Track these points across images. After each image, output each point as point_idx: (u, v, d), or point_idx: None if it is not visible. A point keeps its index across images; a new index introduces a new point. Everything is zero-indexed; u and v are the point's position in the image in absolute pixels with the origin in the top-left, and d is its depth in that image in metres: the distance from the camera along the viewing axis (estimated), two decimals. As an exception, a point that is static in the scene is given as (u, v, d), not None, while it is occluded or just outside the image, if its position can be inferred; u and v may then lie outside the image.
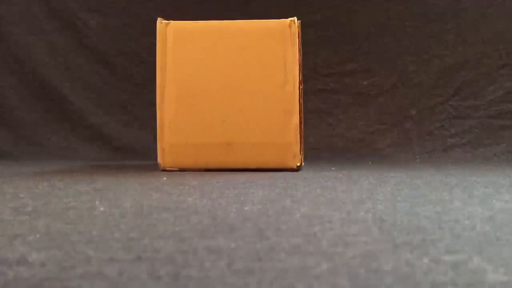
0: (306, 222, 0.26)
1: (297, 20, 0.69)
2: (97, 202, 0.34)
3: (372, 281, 0.16)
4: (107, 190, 0.42)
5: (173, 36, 0.69)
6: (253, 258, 0.19)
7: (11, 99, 1.14)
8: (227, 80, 0.68)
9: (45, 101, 1.14)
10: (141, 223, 0.26)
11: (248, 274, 0.17)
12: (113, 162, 0.95)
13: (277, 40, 0.68)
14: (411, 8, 1.12)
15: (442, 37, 1.10)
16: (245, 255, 0.19)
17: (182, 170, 0.68)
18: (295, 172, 0.65)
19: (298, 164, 0.67)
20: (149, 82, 1.13)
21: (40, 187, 0.44)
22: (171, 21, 0.69)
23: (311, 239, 0.22)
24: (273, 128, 0.68)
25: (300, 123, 0.68)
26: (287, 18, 0.70)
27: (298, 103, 0.68)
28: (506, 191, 0.41)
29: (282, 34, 0.69)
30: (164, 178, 0.54)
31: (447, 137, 1.06)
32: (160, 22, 0.69)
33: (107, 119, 1.14)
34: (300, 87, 0.68)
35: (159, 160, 0.68)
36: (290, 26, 0.69)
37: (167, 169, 0.68)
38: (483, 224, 0.26)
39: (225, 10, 0.68)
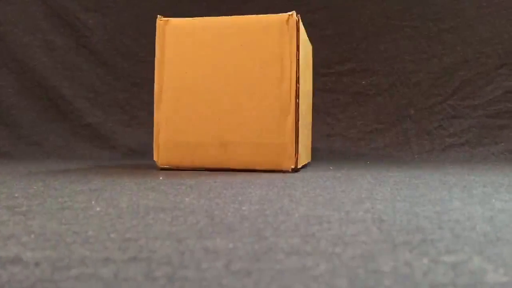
0: (305, 222, 0.26)
1: (297, 15, 0.66)
2: (93, 202, 0.34)
3: (371, 281, 0.16)
4: (103, 190, 0.41)
5: (172, 34, 0.69)
6: (251, 259, 0.19)
7: (9, 99, 1.13)
8: (224, 78, 0.67)
9: (43, 101, 1.13)
10: (138, 223, 0.26)
11: (245, 275, 0.17)
12: (110, 162, 0.95)
13: (274, 36, 0.65)
14: (409, 8, 1.12)
15: (440, 37, 1.10)
16: (243, 256, 0.19)
17: (177, 168, 0.68)
18: (293, 172, 0.64)
19: (293, 167, 0.63)
20: (147, 81, 1.13)
21: (35, 187, 0.44)
22: (170, 19, 0.69)
23: (309, 240, 0.22)
24: (268, 128, 0.64)
25: (296, 123, 0.64)
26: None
27: (294, 102, 0.64)
28: (505, 191, 0.41)
29: (280, 29, 0.65)
30: (161, 178, 0.54)
31: (445, 137, 1.06)
32: (160, 20, 0.69)
33: (105, 118, 1.14)
34: (297, 85, 0.65)
35: (155, 157, 0.69)
36: (288, 21, 0.65)
37: (163, 167, 0.68)
38: (483, 224, 0.26)
39: (223, 9, 0.67)
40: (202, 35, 0.68)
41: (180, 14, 0.72)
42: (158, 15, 0.70)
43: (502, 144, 1.03)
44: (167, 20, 0.69)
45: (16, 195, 0.38)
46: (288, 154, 0.64)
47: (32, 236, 0.23)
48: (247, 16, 0.68)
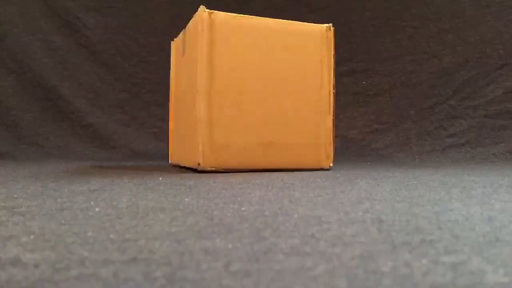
0: (304, 222, 0.26)
1: (332, 26, 0.72)
2: (92, 202, 0.34)
3: (371, 282, 0.16)
4: (103, 190, 0.41)
5: (220, 28, 0.65)
6: (250, 259, 0.19)
7: (9, 99, 1.14)
8: (268, 79, 0.67)
9: (43, 101, 1.14)
10: (137, 223, 0.26)
11: (245, 275, 0.17)
12: (110, 162, 0.95)
13: (316, 44, 0.70)
14: (410, 8, 1.12)
15: (441, 37, 1.10)
16: (242, 256, 0.19)
17: (222, 171, 0.64)
18: (292, 172, 0.64)
19: (331, 165, 0.71)
20: (148, 81, 1.14)
21: (35, 187, 0.44)
22: (216, 11, 0.65)
23: (309, 240, 0.22)
24: (309, 129, 0.70)
25: (333, 125, 0.72)
26: (286, 18, 0.70)
27: (332, 105, 0.71)
28: (504, 191, 0.41)
29: (320, 38, 0.71)
30: (160, 178, 0.54)
31: (445, 137, 1.06)
32: (204, 11, 0.64)
33: (105, 119, 1.14)
34: (333, 90, 0.71)
35: (199, 159, 0.63)
36: (327, 31, 0.71)
37: (208, 169, 0.63)
38: (482, 225, 0.26)
39: (223, 9, 0.67)
40: (249, 34, 0.67)
41: (181, 13, 0.71)
42: (201, 6, 0.65)
43: (502, 144, 1.03)
44: (212, 12, 0.65)
45: (16, 195, 0.38)
46: (326, 153, 0.71)
47: (32, 236, 0.23)
48: (290, 21, 0.70)
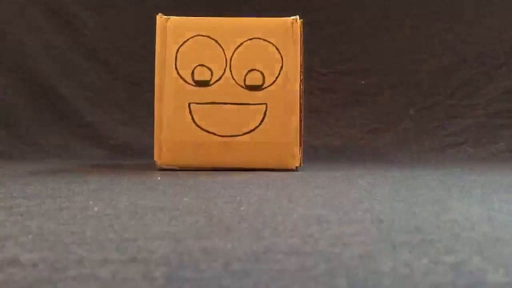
0: (303, 222, 0.26)
1: (299, 18, 0.69)
2: (91, 202, 0.34)
3: (371, 282, 0.16)
4: (101, 190, 0.42)
5: (173, 32, 0.68)
6: (250, 259, 0.19)
7: (7, 98, 1.13)
8: (228, 78, 0.68)
9: (42, 100, 1.13)
10: (136, 223, 0.26)
11: (244, 275, 0.17)
12: (109, 162, 0.95)
13: (279, 39, 0.68)
14: (409, 7, 1.12)
15: (440, 36, 1.10)
16: (242, 256, 0.19)
17: (179, 169, 0.67)
18: (291, 172, 0.64)
19: (297, 165, 0.67)
20: (147, 81, 1.13)
21: (33, 187, 0.44)
22: (171, 17, 0.69)
23: (308, 240, 0.22)
24: (271, 129, 0.67)
25: (300, 122, 0.68)
26: (285, 17, 0.70)
27: (298, 103, 0.68)
28: (504, 191, 0.41)
29: (284, 32, 0.68)
30: (159, 178, 0.54)
31: (445, 136, 1.06)
32: (160, 17, 0.69)
33: (104, 118, 1.14)
34: (301, 87, 0.68)
35: (156, 157, 0.67)
36: (292, 24, 0.68)
37: (164, 167, 0.67)
38: (482, 224, 0.26)
39: (222, 9, 0.67)
40: (205, 35, 0.68)
41: (181, 13, 0.72)
42: (159, 13, 0.69)
43: (502, 143, 1.03)
44: (168, 18, 0.69)
45: (14, 195, 0.38)
46: (293, 153, 0.67)
47: (30, 236, 0.23)
48: (250, 18, 0.69)
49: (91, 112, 1.14)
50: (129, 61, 1.15)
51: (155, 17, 0.70)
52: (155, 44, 0.83)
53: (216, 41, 0.68)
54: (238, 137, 0.67)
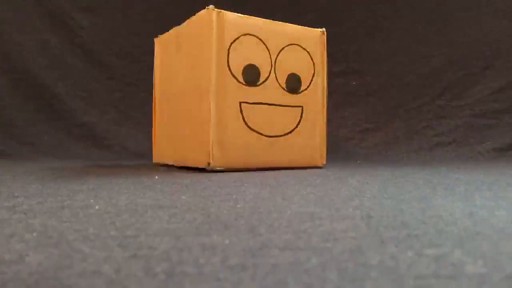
0: (297, 219, 0.27)
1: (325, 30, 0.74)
2: (92, 200, 0.34)
3: (360, 274, 0.17)
4: (101, 189, 0.42)
5: (226, 27, 0.63)
6: (246, 254, 0.19)
7: (3, 98, 1.12)
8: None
9: (37, 100, 1.12)
10: (136, 221, 0.26)
11: (241, 269, 0.17)
12: (105, 161, 0.94)
13: (311, 47, 0.72)
14: (399, 10, 1.13)
15: (429, 39, 1.12)
16: (239, 252, 0.20)
17: (229, 170, 0.63)
18: (285, 171, 0.65)
19: (324, 163, 0.74)
20: (142, 81, 1.13)
21: (34, 186, 0.44)
22: (223, 11, 0.64)
23: (301, 235, 0.23)
24: (305, 130, 0.71)
25: (326, 125, 0.74)
26: (278, 20, 0.70)
27: (325, 107, 0.74)
28: (487, 188, 0.42)
29: (315, 42, 0.73)
30: (156, 177, 0.54)
31: (433, 136, 1.08)
32: (212, 10, 0.63)
33: (99, 118, 1.13)
34: (325, 92, 0.74)
35: (206, 159, 0.62)
36: (321, 35, 0.74)
37: (217, 168, 0.62)
38: (464, 220, 0.27)
39: (218, 8, 0.68)
40: (257, 33, 0.66)
41: (175, 13, 0.72)
42: (211, 6, 0.63)
43: (488, 143, 1.05)
44: (220, 11, 0.63)
45: (16, 194, 0.38)
46: (320, 153, 0.74)
47: (34, 234, 0.23)
48: (290, 24, 0.70)
49: (86, 112, 1.13)
50: (124, 61, 1.15)
51: (150, 18, 0.70)
52: (149, 44, 0.83)
53: (263, 42, 0.67)
54: (281, 138, 0.68)
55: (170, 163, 0.76)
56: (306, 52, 0.72)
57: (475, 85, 1.10)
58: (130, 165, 0.81)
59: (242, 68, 0.65)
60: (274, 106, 0.68)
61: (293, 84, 0.70)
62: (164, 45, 0.79)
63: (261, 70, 0.67)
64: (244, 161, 0.65)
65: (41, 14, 1.14)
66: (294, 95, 0.70)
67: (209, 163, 0.62)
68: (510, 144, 1.04)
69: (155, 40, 0.82)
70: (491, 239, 0.22)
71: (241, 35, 0.65)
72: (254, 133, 0.66)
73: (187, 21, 0.70)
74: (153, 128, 0.84)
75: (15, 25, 1.13)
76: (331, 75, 1.13)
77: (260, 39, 0.67)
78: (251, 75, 0.66)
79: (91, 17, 1.14)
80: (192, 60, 0.67)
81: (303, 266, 0.18)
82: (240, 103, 0.64)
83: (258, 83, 0.66)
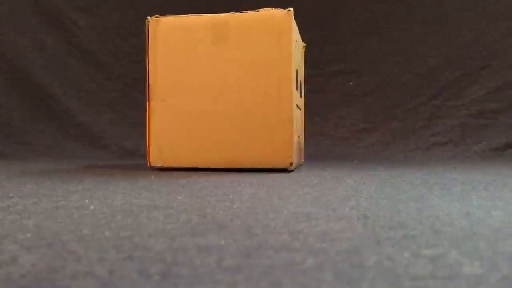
0: (293, 219, 0.27)
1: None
2: (87, 201, 0.34)
3: (356, 275, 0.17)
4: (97, 189, 0.41)
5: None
6: (242, 255, 0.19)
7: (-1, 98, 1.12)
8: (221, 77, 0.66)
9: (34, 100, 1.12)
10: (131, 221, 0.26)
11: (237, 270, 0.17)
12: (101, 161, 0.94)
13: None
14: (396, 11, 1.13)
15: (425, 39, 1.12)
16: (234, 252, 0.20)
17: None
18: (282, 171, 0.65)
19: (292, 163, 0.65)
20: (138, 81, 1.13)
21: (29, 186, 0.44)
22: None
23: (298, 236, 0.23)
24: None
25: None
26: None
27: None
28: (483, 188, 0.42)
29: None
30: (153, 177, 0.54)
31: (430, 136, 1.08)
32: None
33: (95, 118, 1.13)
34: (303, 85, 0.72)
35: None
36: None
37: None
38: (460, 220, 0.27)
39: (213, 10, 0.68)
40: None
41: (177, 13, 0.71)
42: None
43: (485, 142, 1.05)
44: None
45: (11, 194, 0.38)
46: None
47: (28, 235, 0.23)
48: (240, 13, 0.65)
49: (82, 112, 1.13)
50: (120, 61, 1.14)
51: (146, 17, 0.70)
52: (147, 44, 0.82)
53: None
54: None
55: (202, 165, 0.67)
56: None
57: (472, 85, 1.10)
58: (126, 165, 0.81)
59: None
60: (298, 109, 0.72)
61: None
62: (177, 32, 0.69)
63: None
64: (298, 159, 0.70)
65: (38, 14, 1.13)
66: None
67: (291, 163, 0.64)
68: (506, 144, 1.04)
69: (151, 21, 0.69)
70: (488, 239, 0.22)
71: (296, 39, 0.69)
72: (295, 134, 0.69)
73: (238, 14, 0.66)
74: (147, 127, 0.71)
75: (12, 25, 1.12)
76: (328, 75, 1.14)
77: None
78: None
79: (88, 17, 1.14)
80: (253, 56, 0.65)
81: (299, 266, 0.17)
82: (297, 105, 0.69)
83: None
